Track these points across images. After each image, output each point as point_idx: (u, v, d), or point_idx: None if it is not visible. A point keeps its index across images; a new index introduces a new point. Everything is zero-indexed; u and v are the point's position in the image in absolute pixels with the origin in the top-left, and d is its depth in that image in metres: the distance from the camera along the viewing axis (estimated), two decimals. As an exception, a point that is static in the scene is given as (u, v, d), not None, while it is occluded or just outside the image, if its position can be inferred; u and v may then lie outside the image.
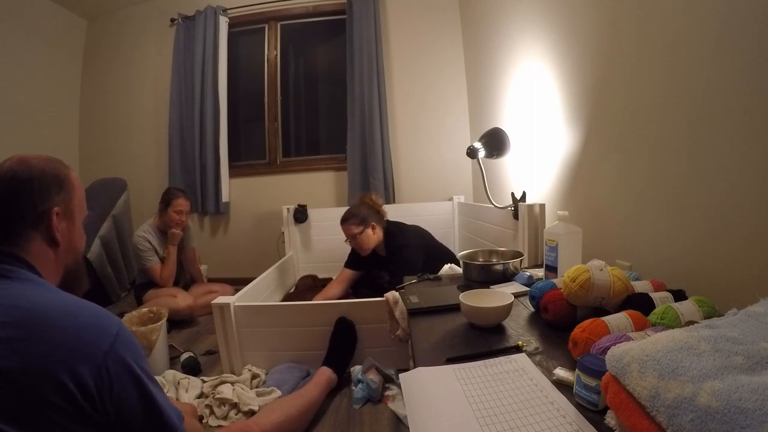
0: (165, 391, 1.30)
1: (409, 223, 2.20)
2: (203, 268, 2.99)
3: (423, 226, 2.24)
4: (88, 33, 3.47)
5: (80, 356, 0.56)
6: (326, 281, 2.50)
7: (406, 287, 1.28)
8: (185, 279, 2.67)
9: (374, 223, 2.05)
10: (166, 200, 2.40)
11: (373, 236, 2.05)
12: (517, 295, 1.03)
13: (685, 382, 0.41)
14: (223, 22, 3.16)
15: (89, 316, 0.61)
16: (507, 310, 0.87)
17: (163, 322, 1.78)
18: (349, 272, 2.21)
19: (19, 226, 0.67)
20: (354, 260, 2.20)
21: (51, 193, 0.70)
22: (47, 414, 0.53)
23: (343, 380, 1.56)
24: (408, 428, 0.59)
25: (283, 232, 2.94)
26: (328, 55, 3.42)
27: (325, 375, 1.47)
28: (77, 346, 0.57)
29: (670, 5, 0.96)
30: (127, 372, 0.60)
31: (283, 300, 2.37)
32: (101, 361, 0.57)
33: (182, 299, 2.32)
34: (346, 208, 3.12)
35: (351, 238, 2.04)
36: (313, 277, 2.65)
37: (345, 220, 2.05)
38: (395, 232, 2.09)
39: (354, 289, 2.22)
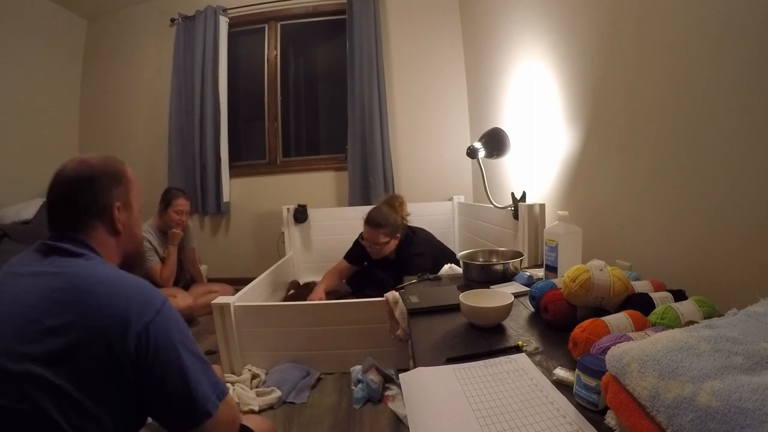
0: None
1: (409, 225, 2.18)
2: (203, 268, 2.99)
3: (423, 227, 2.23)
4: (88, 33, 3.47)
5: (126, 322, 0.61)
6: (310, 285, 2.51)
7: (406, 287, 1.28)
8: (185, 279, 2.68)
9: (399, 234, 2.01)
10: (166, 200, 2.40)
11: (393, 246, 2.01)
12: (517, 295, 1.03)
13: (685, 382, 0.41)
14: (223, 22, 3.16)
15: (139, 289, 0.67)
16: (507, 310, 0.87)
17: (163, 322, 1.77)
18: (348, 266, 2.22)
19: (84, 217, 0.74)
20: (357, 255, 2.19)
21: (111, 189, 0.77)
22: (90, 369, 0.59)
23: (344, 380, 1.56)
24: (408, 428, 0.59)
25: (283, 232, 2.94)
26: (328, 55, 3.42)
27: None
28: (125, 313, 0.62)
29: (670, 5, 0.96)
30: (167, 341, 0.65)
31: (284, 299, 2.37)
32: (142, 329, 0.62)
33: (182, 299, 2.32)
34: (346, 207, 3.09)
35: (373, 244, 1.97)
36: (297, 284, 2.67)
37: (376, 227, 1.95)
38: (408, 240, 2.06)
39: (359, 289, 2.20)
